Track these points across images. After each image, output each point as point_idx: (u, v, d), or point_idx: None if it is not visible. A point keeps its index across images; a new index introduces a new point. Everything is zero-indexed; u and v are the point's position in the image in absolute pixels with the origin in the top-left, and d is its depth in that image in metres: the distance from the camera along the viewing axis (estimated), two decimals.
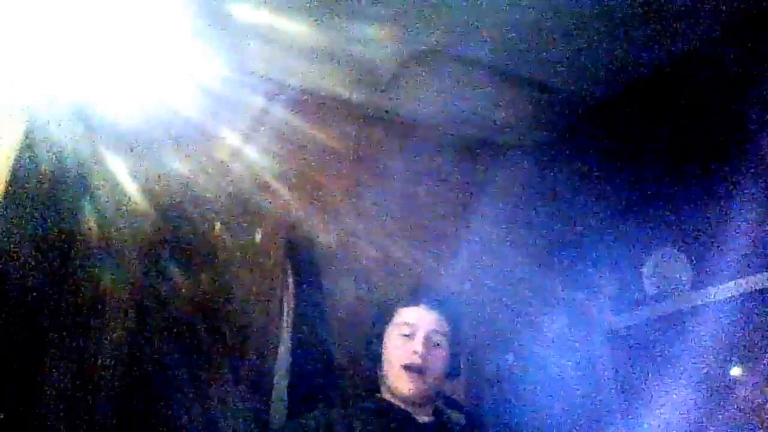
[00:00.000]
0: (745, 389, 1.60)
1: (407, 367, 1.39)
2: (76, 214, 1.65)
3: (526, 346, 2.10)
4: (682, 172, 1.90)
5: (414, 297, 1.50)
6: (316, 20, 1.82)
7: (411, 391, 1.38)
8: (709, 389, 1.65)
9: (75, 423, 1.50)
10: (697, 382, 1.67)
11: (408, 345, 1.41)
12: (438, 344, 1.42)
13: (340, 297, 1.94)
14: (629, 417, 1.87)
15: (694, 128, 1.90)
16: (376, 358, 1.47)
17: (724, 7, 1.74)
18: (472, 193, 2.35)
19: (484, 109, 2.25)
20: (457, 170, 2.37)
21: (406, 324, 1.43)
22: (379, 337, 1.48)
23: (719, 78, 1.82)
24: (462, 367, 1.57)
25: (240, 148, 1.97)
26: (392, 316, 1.48)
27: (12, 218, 1.43)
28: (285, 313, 1.82)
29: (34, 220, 1.52)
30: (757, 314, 1.62)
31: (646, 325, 1.91)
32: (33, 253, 1.49)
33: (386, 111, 2.25)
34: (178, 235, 1.79)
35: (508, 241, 2.27)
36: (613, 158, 2.14)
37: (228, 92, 1.93)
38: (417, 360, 1.38)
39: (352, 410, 1.44)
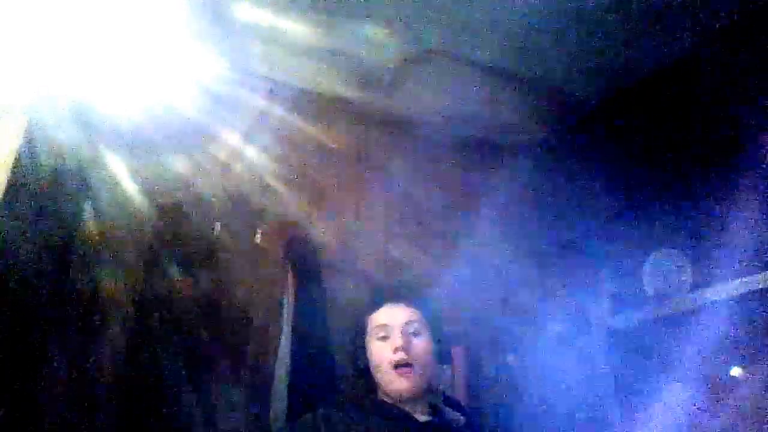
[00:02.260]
0: (745, 389, 1.60)
1: (395, 366, 1.39)
2: (76, 214, 1.65)
3: (526, 346, 2.10)
4: (682, 172, 1.90)
5: (377, 300, 1.50)
6: (316, 20, 1.82)
7: (405, 387, 1.39)
8: (709, 389, 1.65)
9: (75, 423, 1.50)
10: (697, 382, 1.67)
11: (388, 345, 1.41)
12: (416, 332, 1.43)
13: (340, 297, 1.94)
14: (629, 417, 1.87)
15: (694, 128, 1.90)
16: (366, 371, 1.47)
17: (723, 9, 1.74)
18: (472, 193, 2.35)
19: (484, 109, 2.26)
20: (457, 170, 2.37)
21: (380, 327, 1.44)
22: (363, 349, 1.48)
23: (719, 78, 1.82)
24: (447, 347, 1.55)
25: (240, 148, 1.97)
26: (366, 326, 1.48)
27: (12, 218, 1.43)
28: (285, 313, 1.82)
29: (34, 219, 1.52)
30: (757, 314, 1.62)
31: (646, 325, 1.91)
32: (33, 253, 1.49)
33: (386, 111, 2.26)
34: (178, 235, 1.79)
35: (508, 240, 2.27)
36: (612, 158, 2.14)
37: (228, 92, 1.93)
38: (401, 355, 1.39)
39: (352, 411, 1.44)
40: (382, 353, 1.42)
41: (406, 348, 1.39)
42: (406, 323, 1.43)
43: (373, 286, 1.91)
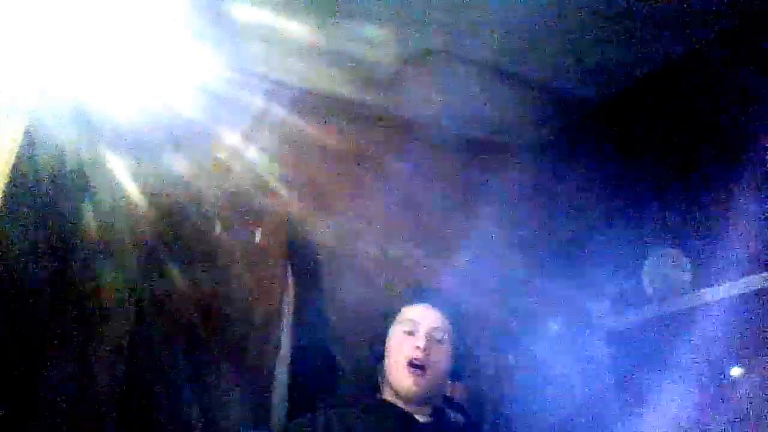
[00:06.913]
0: (745, 389, 1.60)
1: (410, 364, 1.39)
2: (76, 214, 1.65)
3: (526, 346, 2.10)
4: (682, 172, 1.90)
5: (418, 296, 1.53)
6: (316, 20, 1.82)
7: (413, 388, 1.39)
8: (709, 389, 1.65)
9: (75, 423, 1.50)
10: (697, 382, 1.67)
11: (410, 341, 1.42)
12: (440, 341, 1.44)
13: (340, 297, 1.94)
14: (629, 417, 1.86)
15: (694, 128, 1.90)
16: (380, 357, 1.48)
17: (723, 9, 1.74)
18: (472, 193, 2.35)
19: (484, 109, 2.26)
20: (457, 170, 2.37)
21: (409, 321, 1.45)
22: (383, 335, 1.49)
23: (719, 78, 1.82)
24: (464, 369, 1.58)
25: (240, 148, 1.97)
26: (396, 314, 1.49)
27: (12, 218, 1.43)
28: (285, 313, 1.82)
29: (34, 220, 1.52)
30: (757, 314, 1.62)
31: (646, 325, 1.91)
32: (33, 253, 1.49)
33: (386, 111, 2.25)
34: (178, 235, 1.79)
35: (508, 241, 2.27)
36: (612, 158, 2.14)
37: (228, 92, 1.93)
38: (419, 355, 1.40)
39: (353, 410, 1.44)
40: (402, 346, 1.43)
41: (426, 350, 1.40)
42: (435, 328, 1.44)
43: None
